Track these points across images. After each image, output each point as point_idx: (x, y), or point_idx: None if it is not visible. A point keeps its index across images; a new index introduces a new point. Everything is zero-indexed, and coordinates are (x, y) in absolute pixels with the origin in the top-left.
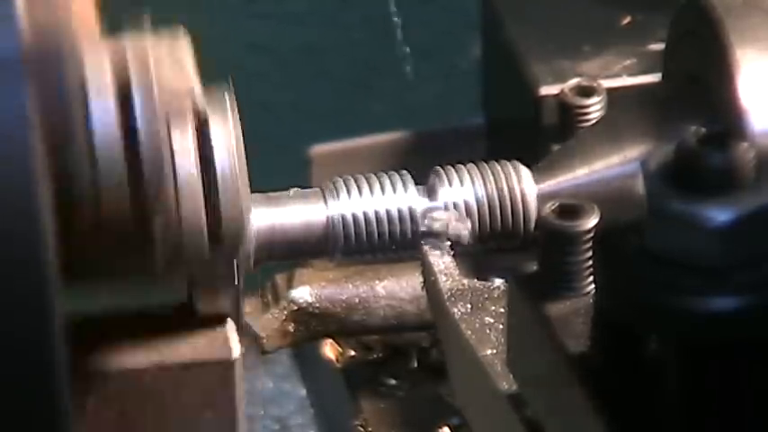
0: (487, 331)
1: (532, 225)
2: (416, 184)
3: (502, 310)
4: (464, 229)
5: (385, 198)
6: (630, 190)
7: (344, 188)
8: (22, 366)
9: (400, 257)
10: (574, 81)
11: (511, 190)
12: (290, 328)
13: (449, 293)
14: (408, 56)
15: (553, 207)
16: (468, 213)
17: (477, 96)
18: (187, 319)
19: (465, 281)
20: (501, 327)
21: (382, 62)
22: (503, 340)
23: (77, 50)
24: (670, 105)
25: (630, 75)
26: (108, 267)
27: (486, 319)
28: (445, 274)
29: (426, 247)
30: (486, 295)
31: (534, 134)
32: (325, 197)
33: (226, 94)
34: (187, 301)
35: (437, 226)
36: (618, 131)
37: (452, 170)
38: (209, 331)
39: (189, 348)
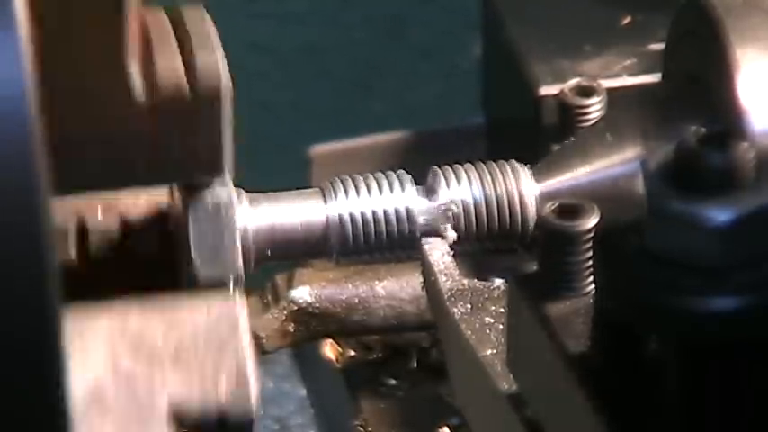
0: (487, 331)
1: (532, 225)
2: (416, 184)
3: (502, 310)
4: (450, 228)
5: (384, 198)
6: (630, 190)
7: (344, 188)
8: (21, 371)
9: (400, 257)
10: (574, 81)
11: (511, 190)
12: (290, 328)
13: (449, 293)
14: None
15: (553, 207)
16: (468, 213)
17: (477, 96)
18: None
19: (465, 281)
20: (501, 327)
21: (382, 62)
22: (503, 340)
23: None
24: (670, 105)
25: (630, 75)
26: None
27: (486, 319)
28: (445, 274)
29: (426, 247)
30: (486, 295)
31: (534, 134)
32: (324, 197)
33: None
34: None
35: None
36: (618, 131)
37: (452, 170)
38: None
39: None
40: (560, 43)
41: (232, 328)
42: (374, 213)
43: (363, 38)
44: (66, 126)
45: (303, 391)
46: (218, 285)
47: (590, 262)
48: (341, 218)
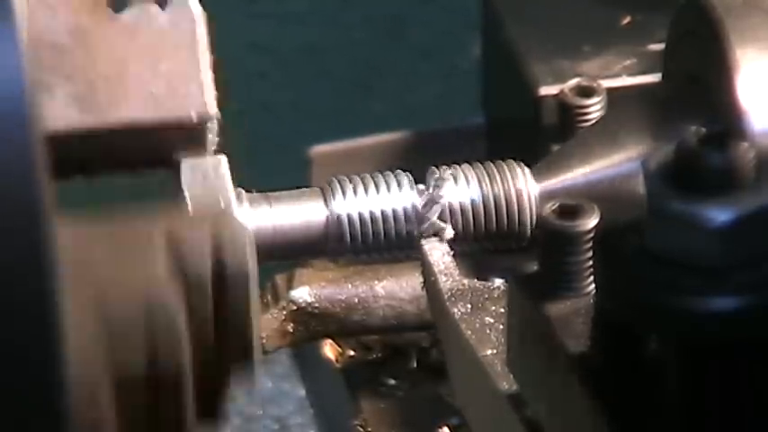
0: (487, 331)
1: (532, 225)
2: (416, 184)
3: (502, 310)
4: (448, 226)
5: (385, 198)
6: (630, 190)
7: (344, 188)
8: (21, 379)
9: (400, 257)
10: (574, 81)
11: (511, 190)
12: (290, 328)
13: (449, 293)
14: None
15: (553, 207)
16: (468, 213)
17: (477, 96)
18: None
19: (465, 281)
20: (501, 327)
21: (382, 62)
22: (503, 340)
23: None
24: (670, 105)
25: (630, 75)
26: None
27: (486, 319)
28: (445, 274)
29: (426, 247)
30: (486, 295)
31: (534, 134)
32: (324, 197)
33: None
34: None
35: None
36: (618, 131)
37: (452, 170)
38: None
39: None
40: (560, 43)
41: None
42: (374, 213)
43: (363, 38)
44: None
45: (303, 391)
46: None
47: (590, 262)
48: (341, 218)
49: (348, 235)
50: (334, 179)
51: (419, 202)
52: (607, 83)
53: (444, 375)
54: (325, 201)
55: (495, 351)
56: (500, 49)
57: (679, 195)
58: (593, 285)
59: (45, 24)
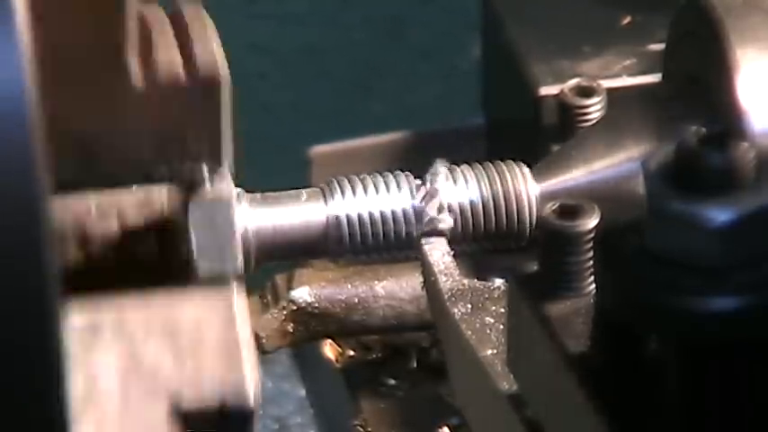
0: (487, 331)
1: (532, 225)
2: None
3: (502, 310)
4: (446, 220)
5: (384, 198)
6: (630, 190)
7: (344, 188)
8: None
9: (400, 258)
10: (574, 81)
11: (511, 190)
12: (290, 328)
13: (449, 293)
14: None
15: (553, 207)
16: (468, 214)
17: (477, 96)
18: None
19: (465, 281)
20: (501, 327)
21: (382, 62)
22: (503, 340)
23: None
24: (670, 105)
25: (630, 75)
26: None
27: (487, 319)
28: (445, 274)
29: (426, 247)
30: (486, 295)
31: (534, 134)
32: (324, 197)
33: None
34: None
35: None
36: (618, 131)
37: (452, 170)
38: None
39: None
40: (560, 43)
41: (229, 321)
42: (374, 214)
43: (363, 38)
44: (67, 124)
45: (303, 391)
46: (218, 281)
47: (590, 262)
48: (341, 218)
49: (348, 235)
50: (333, 180)
51: (418, 199)
52: (607, 83)
53: (444, 375)
54: (325, 201)
55: (495, 351)
56: (500, 50)
57: (679, 195)
58: (593, 285)
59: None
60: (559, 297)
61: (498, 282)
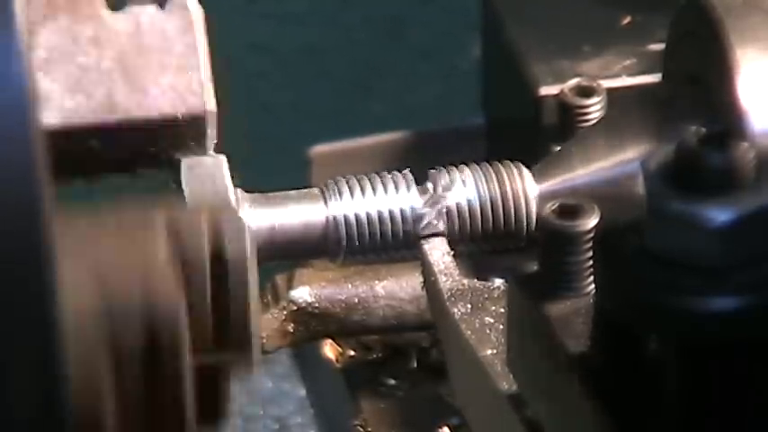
0: (487, 331)
1: (532, 225)
2: (416, 184)
3: (502, 310)
4: (441, 222)
5: (385, 198)
6: (630, 190)
7: (344, 188)
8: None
9: (400, 257)
10: (574, 81)
11: (511, 190)
12: (290, 328)
13: (449, 293)
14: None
15: (553, 207)
16: (468, 214)
17: (477, 96)
18: None
19: (465, 281)
20: (501, 327)
21: (382, 62)
22: (503, 340)
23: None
24: (670, 105)
25: (630, 75)
26: None
27: (486, 319)
28: (445, 274)
29: (426, 247)
30: (486, 295)
31: (534, 134)
32: (324, 197)
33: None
34: None
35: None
36: (618, 131)
37: (452, 170)
38: None
39: None
40: (560, 43)
41: None
42: (374, 214)
43: (363, 38)
44: None
45: (303, 391)
46: None
47: (590, 262)
48: (341, 218)
49: (348, 235)
50: (333, 180)
51: (419, 201)
52: (607, 83)
53: (444, 375)
54: (325, 201)
55: (495, 351)
56: (500, 50)
57: (679, 195)
58: (593, 285)
59: (45, 25)
60: (559, 297)
61: (498, 282)
